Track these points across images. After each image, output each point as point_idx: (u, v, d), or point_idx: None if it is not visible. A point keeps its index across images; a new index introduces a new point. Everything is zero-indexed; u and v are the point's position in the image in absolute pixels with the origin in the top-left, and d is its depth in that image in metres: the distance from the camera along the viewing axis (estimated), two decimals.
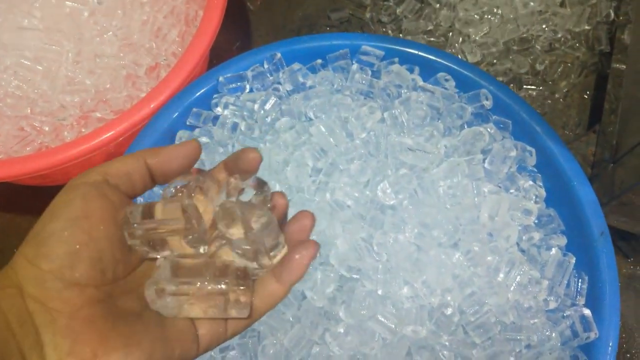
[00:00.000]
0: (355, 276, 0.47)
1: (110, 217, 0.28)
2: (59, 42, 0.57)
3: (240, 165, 0.32)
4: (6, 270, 0.27)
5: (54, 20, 0.59)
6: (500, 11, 0.69)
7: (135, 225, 0.29)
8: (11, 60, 0.56)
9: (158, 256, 0.31)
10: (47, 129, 0.54)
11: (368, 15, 0.74)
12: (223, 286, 0.29)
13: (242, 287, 0.29)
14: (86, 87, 0.56)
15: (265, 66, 0.56)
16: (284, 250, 0.32)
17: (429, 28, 0.70)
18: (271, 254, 0.31)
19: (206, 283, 0.29)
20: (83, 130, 0.55)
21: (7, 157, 0.53)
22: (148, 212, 0.30)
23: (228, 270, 0.30)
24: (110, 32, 0.59)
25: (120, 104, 0.56)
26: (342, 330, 0.45)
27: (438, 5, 0.71)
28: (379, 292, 0.46)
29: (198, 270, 0.30)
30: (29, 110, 0.54)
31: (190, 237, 0.30)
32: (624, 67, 0.63)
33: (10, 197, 0.63)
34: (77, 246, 0.26)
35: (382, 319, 0.44)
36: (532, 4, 0.68)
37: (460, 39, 0.69)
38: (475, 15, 0.69)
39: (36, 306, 0.25)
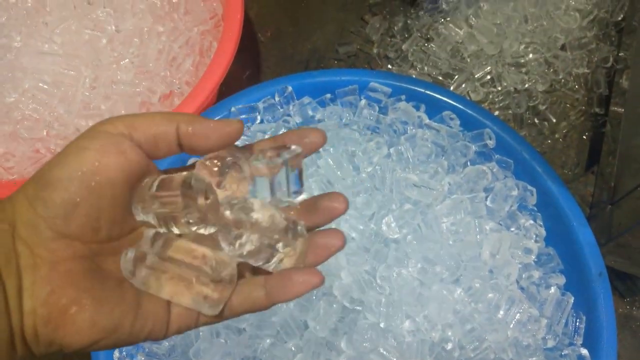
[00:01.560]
0: (357, 308, 0.48)
1: (121, 176, 0.26)
2: (77, 68, 0.59)
3: (299, 141, 0.30)
4: (4, 204, 0.26)
5: (73, 46, 0.60)
6: (505, 55, 0.71)
7: (147, 198, 0.27)
8: (30, 84, 0.58)
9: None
10: None
11: (375, 50, 0.76)
12: (200, 275, 0.27)
13: (215, 284, 0.28)
14: (101, 112, 0.58)
15: (277, 98, 0.58)
16: (293, 258, 0.30)
17: (434, 64, 0.73)
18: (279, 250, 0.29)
19: (184, 268, 0.27)
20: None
21: (21, 178, 0.54)
22: (167, 185, 0.28)
23: (209, 262, 0.28)
24: (127, 60, 0.61)
25: None
26: None
27: (445, 43, 0.73)
28: (381, 324, 0.47)
29: (184, 253, 0.28)
30: (45, 133, 0.56)
31: (188, 215, 0.27)
32: (622, 110, 0.65)
33: None
34: (78, 199, 0.25)
35: (384, 352, 0.45)
36: (535, 54, 0.71)
37: (464, 78, 0.71)
38: (480, 57, 0.71)
39: (23, 249, 0.25)
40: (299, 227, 0.30)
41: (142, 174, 0.28)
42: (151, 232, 0.28)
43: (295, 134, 0.31)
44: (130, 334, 0.27)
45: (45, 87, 0.57)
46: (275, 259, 0.29)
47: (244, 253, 0.28)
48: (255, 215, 0.29)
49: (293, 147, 0.30)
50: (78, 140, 0.26)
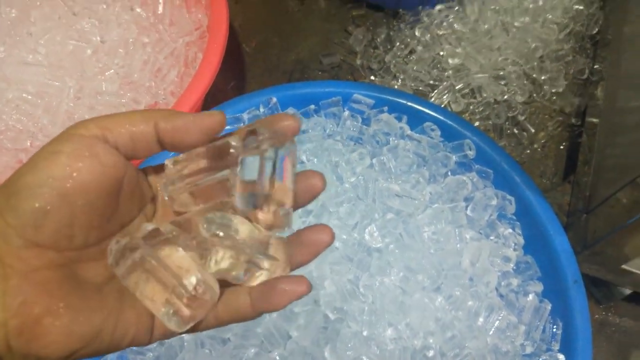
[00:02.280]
0: (340, 317, 0.49)
1: (95, 181, 0.25)
2: (61, 78, 0.59)
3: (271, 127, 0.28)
4: None
5: (58, 57, 0.61)
6: (485, 67, 0.73)
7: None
8: (13, 94, 0.58)
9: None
10: None
11: (358, 61, 0.78)
12: (176, 286, 0.26)
13: (190, 301, 0.26)
14: None
15: (261, 109, 0.59)
16: (274, 271, 0.29)
17: (416, 75, 0.74)
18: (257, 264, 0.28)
19: (167, 273, 0.26)
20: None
21: None
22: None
23: (191, 277, 0.26)
24: (112, 70, 0.61)
25: None
26: None
27: (427, 55, 0.74)
28: (364, 333, 0.48)
29: (172, 259, 0.27)
30: (28, 144, 0.56)
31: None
32: (597, 121, 0.67)
33: None
34: (48, 207, 0.24)
35: None
36: (514, 66, 0.73)
37: (445, 90, 0.72)
38: (461, 70, 0.73)
39: None
40: (279, 241, 0.30)
41: (118, 177, 0.26)
42: (150, 226, 0.27)
43: (267, 120, 0.30)
44: (112, 342, 0.26)
45: (29, 97, 0.57)
46: (256, 275, 0.29)
47: (222, 269, 0.28)
48: (234, 231, 0.28)
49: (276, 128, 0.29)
50: (49, 144, 0.25)
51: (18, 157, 0.56)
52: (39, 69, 0.59)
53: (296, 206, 0.31)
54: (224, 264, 0.28)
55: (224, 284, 0.29)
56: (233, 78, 0.78)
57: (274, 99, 0.59)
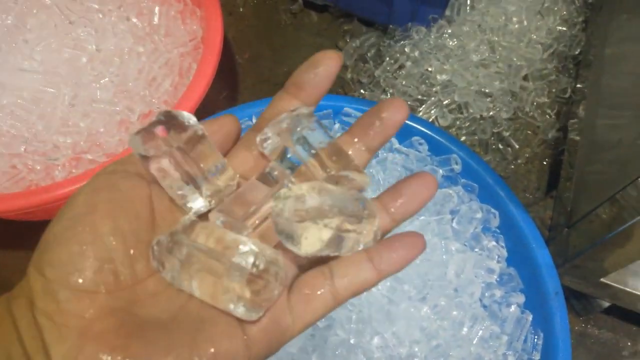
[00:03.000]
0: (328, 324, 0.50)
1: (118, 208, 0.24)
2: (56, 85, 0.60)
3: (312, 77, 0.28)
4: (22, 281, 0.24)
5: (53, 64, 0.61)
6: (472, 84, 0.75)
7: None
8: (8, 100, 0.58)
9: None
10: (39, 167, 0.56)
11: (349, 75, 0.79)
12: (233, 270, 0.23)
13: (251, 282, 0.23)
14: (80, 130, 0.58)
15: (254, 120, 0.60)
16: (364, 237, 0.26)
17: (405, 90, 0.76)
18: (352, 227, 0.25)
19: (222, 260, 0.23)
20: (74, 170, 0.57)
21: None
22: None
23: (250, 252, 0.24)
24: (107, 79, 0.62)
25: (113, 147, 0.59)
26: None
27: (415, 71, 0.76)
28: (352, 341, 0.49)
29: (219, 241, 0.24)
30: (22, 149, 0.56)
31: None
32: (579, 138, 0.69)
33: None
34: (83, 247, 0.23)
35: None
36: (500, 83, 0.75)
37: (433, 105, 0.74)
38: (449, 86, 0.75)
39: (45, 321, 0.22)
40: (363, 194, 0.27)
41: (142, 197, 0.26)
42: (187, 219, 0.25)
43: (305, 69, 0.28)
44: None
45: (24, 103, 0.58)
46: (349, 243, 0.26)
47: (316, 249, 0.25)
48: (311, 201, 0.25)
49: (298, 110, 0.28)
50: (71, 196, 0.25)
51: (11, 162, 0.56)
52: (34, 76, 0.60)
53: (373, 149, 0.29)
54: (316, 241, 0.25)
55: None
56: (226, 89, 0.79)
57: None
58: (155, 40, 0.66)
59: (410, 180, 0.28)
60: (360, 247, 0.27)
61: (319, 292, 0.26)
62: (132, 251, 0.24)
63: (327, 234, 0.25)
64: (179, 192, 0.26)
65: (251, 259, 0.23)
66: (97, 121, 0.59)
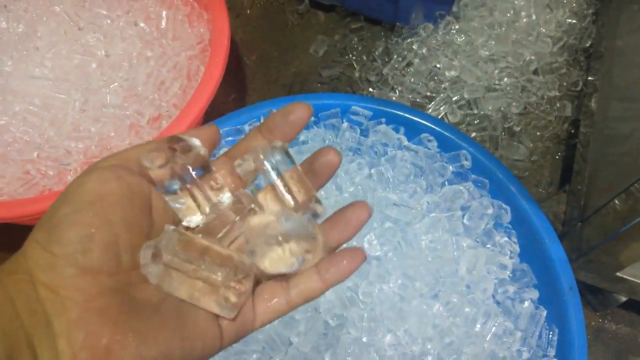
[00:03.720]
0: (340, 323, 0.50)
1: (126, 199, 0.26)
2: (67, 91, 0.61)
3: (283, 123, 0.31)
4: (16, 257, 0.25)
5: (64, 70, 0.62)
6: (481, 79, 0.74)
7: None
8: (20, 107, 0.59)
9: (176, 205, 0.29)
10: (51, 173, 0.57)
11: (357, 74, 0.79)
12: (215, 277, 0.27)
13: (234, 285, 0.28)
14: (91, 135, 0.59)
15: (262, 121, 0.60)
16: (315, 256, 0.31)
17: (413, 87, 0.76)
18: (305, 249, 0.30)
19: (203, 267, 0.27)
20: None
21: (10, 199, 0.55)
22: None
23: (229, 262, 0.28)
24: (116, 83, 0.63)
25: None
26: None
27: (424, 67, 0.76)
28: (364, 339, 0.49)
29: (202, 251, 0.28)
30: (35, 155, 0.57)
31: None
32: (591, 131, 0.69)
33: (9, 237, 0.64)
34: (92, 230, 0.25)
35: None
36: (509, 78, 0.74)
37: (442, 102, 0.74)
38: (457, 82, 0.75)
39: (48, 294, 0.24)
40: (312, 222, 0.31)
41: (145, 194, 0.28)
42: (171, 227, 0.28)
43: (278, 115, 0.32)
44: (183, 358, 0.26)
45: (36, 110, 0.59)
46: (307, 264, 0.31)
47: (280, 270, 0.29)
48: (278, 227, 0.30)
49: (273, 144, 0.31)
50: (74, 180, 0.27)
51: (25, 168, 0.57)
52: (45, 82, 0.61)
53: (318, 185, 0.32)
54: (287, 259, 0.30)
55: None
56: (234, 90, 0.80)
57: (274, 111, 0.60)
58: (163, 44, 0.66)
59: (345, 209, 0.32)
60: (308, 266, 0.31)
61: (276, 298, 0.30)
62: (134, 239, 0.27)
63: (290, 259, 0.30)
64: (179, 206, 0.30)
65: (235, 267, 0.28)
66: (107, 126, 0.60)
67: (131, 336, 0.24)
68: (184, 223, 0.30)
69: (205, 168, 0.30)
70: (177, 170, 0.29)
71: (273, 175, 0.30)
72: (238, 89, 0.80)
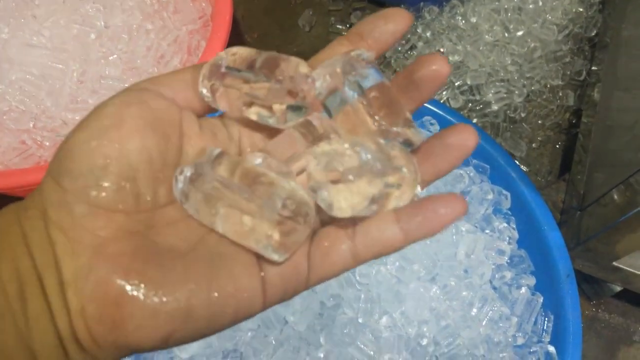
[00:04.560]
0: (336, 303, 0.50)
1: (148, 126, 0.23)
2: (64, 62, 0.59)
3: (378, 29, 0.26)
4: (34, 191, 0.23)
5: (62, 40, 0.61)
6: (484, 65, 0.74)
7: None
8: (17, 76, 0.58)
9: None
10: (47, 143, 0.56)
11: None
12: (266, 208, 0.22)
13: (287, 222, 0.22)
14: (88, 106, 0.58)
15: None
16: (409, 192, 0.24)
17: None
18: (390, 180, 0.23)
19: (246, 197, 0.22)
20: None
21: (5, 169, 0.55)
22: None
23: (278, 193, 0.22)
24: (115, 55, 0.62)
25: None
26: (322, 355, 0.48)
27: (427, 51, 0.75)
28: (360, 320, 0.48)
29: (253, 177, 0.23)
30: (31, 125, 0.56)
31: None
32: (593, 121, 0.68)
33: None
34: (107, 160, 0.21)
35: (362, 346, 0.47)
36: (513, 65, 0.73)
37: (445, 87, 0.73)
38: (461, 67, 0.74)
39: (58, 235, 0.21)
40: (402, 151, 0.24)
41: (172, 120, 0.24)
42: (216, 150, 0.24)
43: (373, 19, 0.26)
44: (210, 318, 0.22)
45: (33, 79, 0.58)
46: (383, 209, 0.24)
47: (346, 214, 0.23)
48: (349, 161, 0.23)
49: (356, 53, 0.25)
50: (97, 106, 0.23)
51: (20, 138, 0.56)
52: (42, 52, 0.59)
53: (419, 101, 0.27)
54: (357, 203, 0.23)
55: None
56: None
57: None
58: (163, 17, 0.65)
59: (444, 133, 0.26)
60: (391, 206, 0.25)
61: (338, 247, 0.24)
62: (156, 173, 0.23)
63: (361, 202, 0.23)
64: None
65: (283, 198, 0.22)
66: (105, 98, 0.59)
67: (145, 287, 0.20)
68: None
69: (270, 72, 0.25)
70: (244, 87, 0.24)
71: (353, 94, 0.25)
72: None
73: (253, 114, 0.25)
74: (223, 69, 0.25)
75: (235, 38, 0.80)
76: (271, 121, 0.25)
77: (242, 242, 0.23)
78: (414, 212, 0.24)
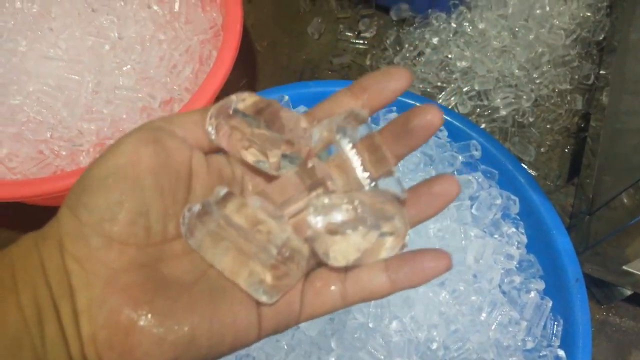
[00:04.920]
0: (347, 309, 0.50)
1: (162, 165, 0.24)
2: (80, 73, 0.61)
3: (380, 85, 0.27)
4: (52, 221, 0.24)
5: (77, 52, 0.62)
6: (492, 71, 0.74)
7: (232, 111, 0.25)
8: (34, 87, 0.59)
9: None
10: (64, 153, 0.57)
11: (368, 62, 0.79)
12: (262, 253, 0.23)
13: (280, 267, 0.23)
14: (103, 116, 0.60)
15: None
16: (399, 242, 0.26)
17: (424, 77, 0.76)
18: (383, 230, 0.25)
19: (245, 239, 0.24)
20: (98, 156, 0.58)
21: (24, 178, 0.56)
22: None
23: (281, 241, 0.24)
24: (129, 66, 0.63)
25: None
26: (333, 359, 0.48)
27: (435, 57, 0.76)
28: (370, 325, 0.49)
29: (254, 220, 0.24)
30: (49, 135, 0.58)
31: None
32: (601, 125, 0.69)
33: (23, 217, 0.65)
34: (122, 196, 0.23)
35: (372, 350, 0.48)
36: (521, 70, 0.74)
37: (453, 92, 0.74)
38: (468, 73, 0.74)
39: (74, 265, 0.23)
40: (393, 201, 0.26)
41: (184, 160, 0.26)
42: (223, 190, 0.25)
43: (377, 74, 0.28)
44: (211, 347, 0.23)
45: (50, 90, 0.59)
46: (374, 258, 0.26)
47: (341, 264, 0.25)
48: (346, 215, 0.25)
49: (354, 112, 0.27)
50: (112, 144, 0.25)
51: (38, 148, 0.58)
52: (59, 63, 0.61)
53: (410, 148, 0.28)
54: (350, 255, 0.25)
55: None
56: (245, 76, 0.80)
57: (286, 97, 0.60)
58: (175, 28, 0.66)
59: (431, 182, 0.27)
60: (384, 255, 0.27)
61: (329, 289, 0.26)
62: (167, 209, 0.25)
63: (354, 254, 0.25)
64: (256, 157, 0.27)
65: (279, 245, 0.24)
66: (119, 108, 0.60)
67: (152, 317, 0.22)
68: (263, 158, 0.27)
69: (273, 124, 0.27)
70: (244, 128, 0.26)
71: (346, 147, 0.27)
72: (248, 74, 0.80)
73: (250, 156, 0.27)
74: (231, 111, 0.26)
75: (246, 47, 0.81)
76: (265, 166, 0.27)
77: (237, 282, 0.24)
78: (402, 263, 0.26)
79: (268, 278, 0.24)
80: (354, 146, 0.27)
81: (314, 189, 0.27)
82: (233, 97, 0.27)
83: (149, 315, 0.22)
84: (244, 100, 0.27)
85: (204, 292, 0.24)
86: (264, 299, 0.24)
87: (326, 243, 0.25)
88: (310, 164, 0.27)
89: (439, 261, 0.26)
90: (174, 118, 0.26)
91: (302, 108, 0.61)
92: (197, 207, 0.25)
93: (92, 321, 0.22)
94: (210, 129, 0.27)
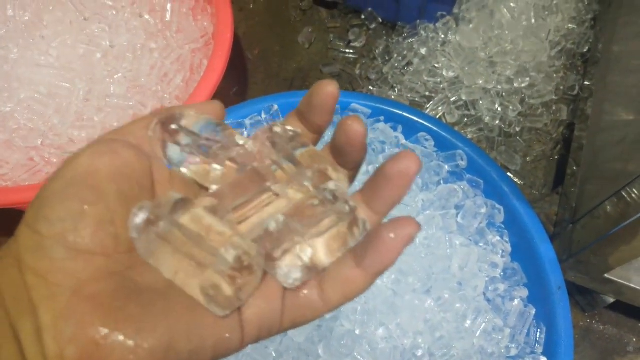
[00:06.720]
0: (334, 315, 0.51)
1: (122, 173, 0.23)
2: (71, 80, 0.61)
3: (314, 103, 0.27)
4: (9, 242, 0.22)
5: (69, 59, 0.63)
6: (479, 81, 0.75)
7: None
8: (26, 94, 0.60)
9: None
10: (55, 160, 0.58)
11: (357, 71, 0.80)
12: (212, 259, 0.22)
13: (227, 273, 0.22)
14: (94, 124, 0.60)
15: (263, 116, 0.61)
16: (354, 224, 0.25)
17: (412, 87, 0.77)
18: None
19: (195, 249, 0.23)
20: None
21: (15, 185, 0.57)
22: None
23: (233, 246, 0.22)
24: (120, 74, 0.64)
25: None
26: None
27: (423, 67, 0.77)
28: (357, 331, 0.50)
29: (207, 227, 0.23)
30: (39, 142, 0.58)
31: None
32: (585, 135, 0.70)
33: (14, 224, 0.65)
34: (84, 206, 0.22)
35: (359, 357, 0.48)
36: (507, 82, 0.75)
37: (440, 102, 0.75)
38: (456, 83, 0.76)
39: (35, 280, 0.21)
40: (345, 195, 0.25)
41: (144, 168, 0.25)
42: (177, 195, 0.24)
43: (305, 98, 0.28)
44: (191, 353, 0.22)
45: (41, 98, 0.60)
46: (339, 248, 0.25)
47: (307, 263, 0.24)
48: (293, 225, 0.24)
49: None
50: (69, 157, 0.24)
51: (29, 155, 0.58)
52: (50, 71, 0.61)
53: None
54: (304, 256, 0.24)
55: None
56: (236, 84, 0.80)
57: (276, 106, 0.61)
58: (167, 37, 0.67)
59: (390, 164, 0.26)
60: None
61: (309, 292, 0.25)
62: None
63: (305, 262, 0.24)
64: (192, 169, 0.26)
65: (236, 255, 0.22)
66: (110, 116, 0.61)
67: (125, 325, 0.20)
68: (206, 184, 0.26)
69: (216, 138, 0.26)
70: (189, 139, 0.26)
71: (281, 162, 0.27)
72: (239, 82, 0.81)
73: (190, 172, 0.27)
74: (174, 126, 0.26)
75: (237, 55, 0.82)
76: (196, 178, 0.27)
77: (187, 291, 0.23)
78: (364, 247, 0.24)
79: (226, 288, 0.22)
80: (292, 160, 0.27)
81: (263, 192, 0.26)
82: (176, 111, 0.26)
83: (122, 323, 0.20)
84: (187, 117, 0.27)
85: (180, 296, 0.22)
86: (215, 310, 0.23)
87: (285, 263, 0.24)
88: (256, 168, 0.27)
89: (402, 229, 0.24)
90: (124, 128, 0.26)
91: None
92: (144, 211, 0.23)
93: (58, 337, 0.20)
94: (151, 135, 0.26)
